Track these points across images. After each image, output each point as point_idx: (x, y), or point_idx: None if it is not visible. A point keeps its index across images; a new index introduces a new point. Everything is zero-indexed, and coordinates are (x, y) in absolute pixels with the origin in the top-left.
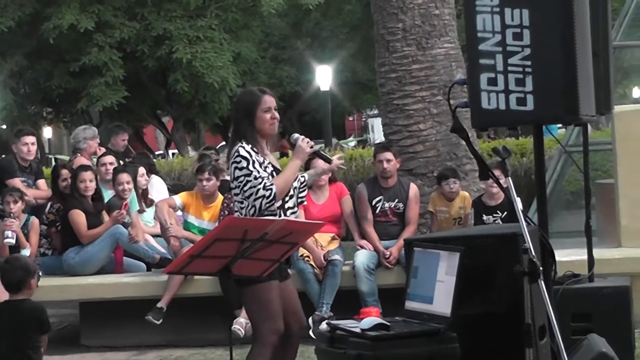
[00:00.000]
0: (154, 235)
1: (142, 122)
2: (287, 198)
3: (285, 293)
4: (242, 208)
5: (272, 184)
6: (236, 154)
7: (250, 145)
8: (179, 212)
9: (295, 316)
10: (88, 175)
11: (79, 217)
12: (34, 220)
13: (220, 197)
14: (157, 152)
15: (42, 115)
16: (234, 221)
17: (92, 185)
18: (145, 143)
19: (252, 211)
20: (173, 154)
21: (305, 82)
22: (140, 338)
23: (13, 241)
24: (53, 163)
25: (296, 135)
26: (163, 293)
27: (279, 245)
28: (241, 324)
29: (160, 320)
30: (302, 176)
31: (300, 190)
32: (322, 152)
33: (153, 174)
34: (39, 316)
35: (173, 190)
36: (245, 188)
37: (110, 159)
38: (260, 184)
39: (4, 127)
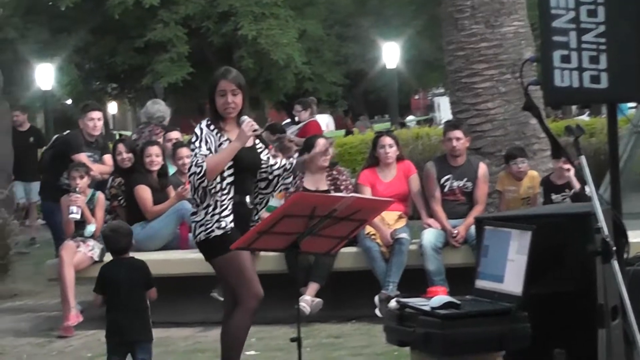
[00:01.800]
0: None
1: (206, 99)
2: (262, 184)
3: None
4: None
5: (203, 161)
6: (195, 129)
7: (208, 122)
8: None
9: None
10: (155, 149)
11: (144, 193)
12: (100, 195)
13: None
14: None
15: (106, 90)
16: (302, 197)
17: (158, 160)
18: None
19: (191, 189)
20: None
21: (371, 59)
22: (205, 314)
23: (78, 216)
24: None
25: (244, 117)
26: None
27: (347, 222)
28: (307, 301)
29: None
30: (289, 163)
31: (285, 177)
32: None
33: None
34: (144, 271)
35: None
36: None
37: (176, 134)
38: (194, 159)
39: (69, 102)
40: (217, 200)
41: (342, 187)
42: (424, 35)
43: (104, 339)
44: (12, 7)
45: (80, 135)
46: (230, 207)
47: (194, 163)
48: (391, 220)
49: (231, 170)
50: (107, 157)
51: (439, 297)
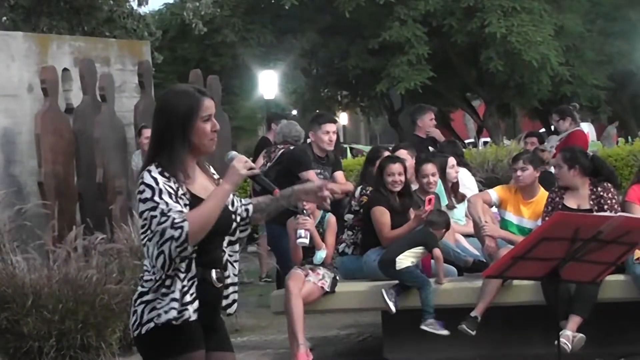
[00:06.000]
0: (466, 235)
1: (449, 107)
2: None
3: None
4: (149, 257)
5: (182, 220)
6: (140, 181)
7: (160, 169)
8: (495, 209)
9: None
10: (397, 167)
11: (382, 216)
12: (331, 217)
13: (543, 192)
14: (466, 141)
15: (336, 99)
16: (564, 218)
17: (401, 179)
18: (453, 130)
19: (160, 261)
20: (485, 142)
21: None
22: (450, 351)
23: (307, 241)
24: (349, 154)
25: (232, 153)
26: (477, 301)
27: (615, 245)
28: (567, 337)
29: (475, 332)
30: (245, 207)
31: (241, 226)
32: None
33: (461, 166)
34: None
35: (486, 184)
36: (153, 227)
37: (402, 152)
38: (166, 221)
39: (294, 112)
40: (174, 276)
41: (605, 207)
42: None
43: None
44: (230, 7)
45: (309, 150)
46: (193, 288)
47: (169, 224)
48: None
49: None
50: (339, 175)
51: None
